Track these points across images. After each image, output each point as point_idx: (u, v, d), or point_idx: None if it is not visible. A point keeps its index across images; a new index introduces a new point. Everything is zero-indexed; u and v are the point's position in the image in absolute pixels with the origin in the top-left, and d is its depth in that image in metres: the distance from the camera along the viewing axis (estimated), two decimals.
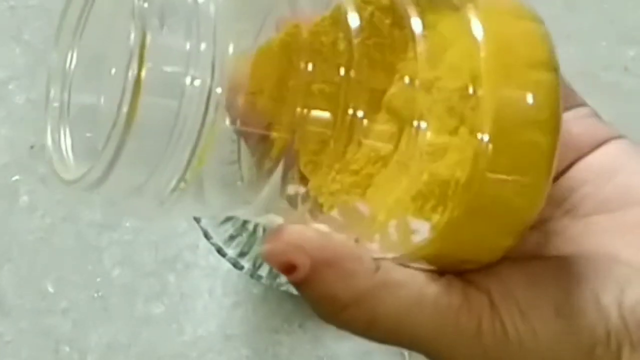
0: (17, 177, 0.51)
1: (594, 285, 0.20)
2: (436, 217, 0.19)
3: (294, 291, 0.41)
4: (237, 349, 0.46)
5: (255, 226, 0.46)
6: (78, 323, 0.47)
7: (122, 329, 0.47)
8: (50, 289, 0.48)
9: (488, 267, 0.21)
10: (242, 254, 0.42)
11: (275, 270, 0.42)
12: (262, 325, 0.47)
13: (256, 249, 0.44)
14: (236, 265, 0.41)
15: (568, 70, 0.22)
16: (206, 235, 0.41)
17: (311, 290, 0.20)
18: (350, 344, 0.46)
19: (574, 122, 0.23)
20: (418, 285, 0.20)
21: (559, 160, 0.20)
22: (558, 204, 0.23)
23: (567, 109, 0.23)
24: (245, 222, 0.45)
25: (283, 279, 0.42)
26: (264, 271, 0.41)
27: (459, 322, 0.20)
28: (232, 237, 0.43)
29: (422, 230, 0.20)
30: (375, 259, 0.20)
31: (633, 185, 0.22)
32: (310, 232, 0.20)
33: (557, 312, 0.20)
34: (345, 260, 0.20)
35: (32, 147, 0.52)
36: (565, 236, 0.22)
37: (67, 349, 0.47)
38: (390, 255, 0.21)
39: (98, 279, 0.48)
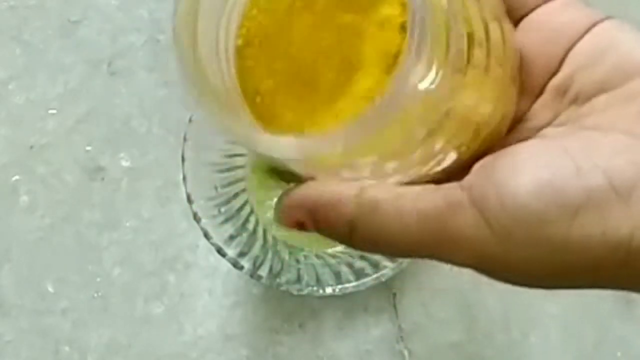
0: (17, 177, 0.51)
1: (577, 156, 0.20)
2: None
3: (294, 291, 0.41)
4: (237, 349, 0.46)
5: (255, 226, 0.46)
6: (78, 323, 0.47)
7: (122, 329, 0.47)
8: (50, 289, 0.48)
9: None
10: (242, 254, 0.42)
11: (275, 270, 0.42)
12: (262, 325, 0.47)
13: (256, 249, 0.44)
14: (236, 265, 0.41)
15: None
16: (206, 235, 0.41)
17: (323, 231, 0.23)
18: (350, 344, 0.46)
19: (559, 12, 0.23)
20: (398, 195, 0.22)
21: (551, 53, 0.20)
22: (561, 97, 0.23)
23: None
24: (245, 222, 0.45)
25: (283, 279, 0.42)
26: (264, 271, 0.41)
27: (445, 226, 0.21)
28: (232, 237, 0.43)
29: None
30: (359, 184, 0.22)
31: (627, 58, 0.22)
32: (305, 190, 0.23)
33: (534, 189, 0.20)
34: (330, 197, 0.22)
35: (32, 147, 0.52)
36: (571, 123, 0.22)
37: (67, 349, 0.47)
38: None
39: (98, 279, 0.48)
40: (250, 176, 0.48)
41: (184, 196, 0.42)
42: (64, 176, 0.51)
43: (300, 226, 0.23)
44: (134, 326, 0.47)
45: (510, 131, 0.24)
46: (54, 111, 0.53)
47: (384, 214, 0.21)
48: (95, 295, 0.48)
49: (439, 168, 0.22)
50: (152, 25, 0.55)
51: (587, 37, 0.23)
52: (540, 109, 0.23)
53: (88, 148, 0.52)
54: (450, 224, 0.21)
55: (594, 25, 0.23)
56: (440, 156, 0.22)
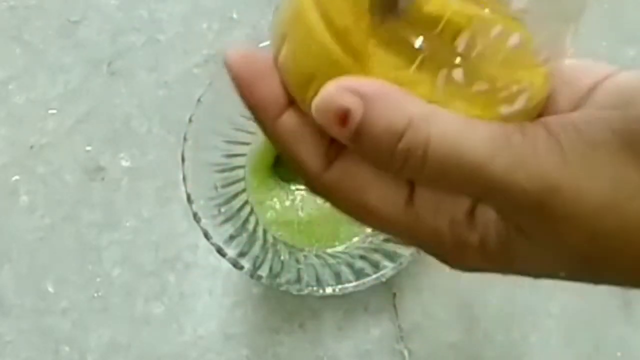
0: (17, 177, 0.51)
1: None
2: None
3: (294, 291, 0.41)
4: (237, 349, 0.46)
5: (255, 226, 0.46)
6: (78, 323, 0.47)
7: (122, 329, 0.47)
8: (50, 289, 0.48)
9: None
10: (242, 254, 0.42)
11: (275, 270, 0.42)
12: (262, 325, 0.47)
13: (256, 249, 0.44)
14: (236, 265, 0.41)
15: None
16: (206, 235, 0.41)
17: (368, 128, 0.19)
18: (350, 344, 0.46)
19: (582, 62, 0.23)
20: (470, 118, 0.20)
21: (574, 91, 0.22)
22: None
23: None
24: (245, 222, 0.45)
25: (283, 279, 0.42)
26: (264, 271, 0.41)
27: (514, 143, 0.19)
28: (232, 237, 0.43)
29: None
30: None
31: None
32: (361, 79, 0.19)
33: (611, 128, 0.20)
34: (397, 92, 0.19)
35: (32, 147, 0.52)
36: None
37: (67, 349, 0.47)
38: None
39: (98, 279, 0.48)
40: (250, 176, 0.48)
41: (184, 196, 0.42)
42: (64, 176, 0.51)
43: (342, 121, 0.19)
44: (134, 326, 0.47)
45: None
46: (54, 111, 0.53)
47: (458, 125, 0.19)
48: (95, 295, 0.48)
49: (510, 109, 0.21)
50: (152, 25, 0.55)
51: (613, 78, 0.23)
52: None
53: (88, 148, 0.52)
54: (525, 145, 0.20)
55: (614, 73, 0.23)
56: (514, 87, 0.21)
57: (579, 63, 0.23)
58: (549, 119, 0.21)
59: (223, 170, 0.46)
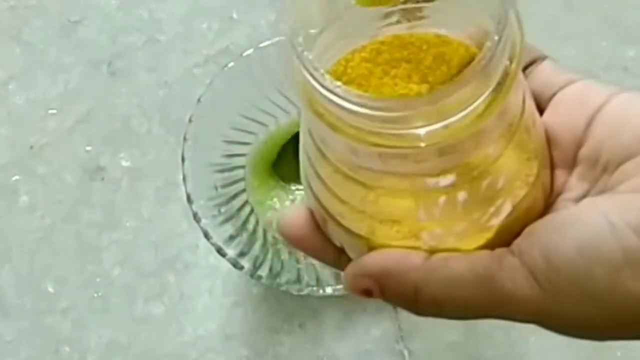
0: (17, 177, 0.51)
1: (612, 217, 0.22)
2: None
3: (294, 291, 0.41)
4: (237, 349, 0.47)
5: (255, 226, 0.46)
6: (78, 323, 0.47)
7: (122, 329, 0.47)
8: (50, 289, 0.48)
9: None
10: (242, 254, 0.42)
11: (275, 270, 0.42)
12: (262, 325, 0.47)
13: (256, 249, 0.44)
14: (236, 265, 0.41)
15: None
16: (206, 235, 0.41)
17: (388, 299, 0.25)
18: (350, 343, 0.46)
19: (580, 89, 0.25)
20: (461, 262, 0.23)
21: (575, 124, 0.24)
22: (593, 167, 0.25)
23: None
24: (245, 222, 0.45)
25: (283, 279, 0.42)
26: (264, 271, 0.41)
27: (500, 288, 0.23)
28: (232, 237, 0.43)
29: None
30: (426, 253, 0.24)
31: None
32: (370, 258, 0.25)
33: (577, 249, 0.22)
34: (397, 266, 0.24)
35: (32, 147, 0.52)
36: (608, 190, 0.24)
37: (67, 349, 0.47)
38: None
39: (98, 279, 0.48)
40: (250, 176, 0.48)
41: (184, 196, 0.42)
42: (64, 176, 0.51)
43: (368, 294, 0.25)
44: (134, 326, 0.47)
45: (551, 205, 0.26)
46: (54, 111, 0.53)
47: (445, 277, 0.23)
48: (95, 295, 0.48)
49: (494, 221, 0.24)
50: (152, 25, 0.55)
51: (607, 107, 0.25)
52: (576, 181, 0.25)
53: (88, 148, 0.52)
54: (504, 285, 0.23)
55: (611, 97, 0.25)
56: (499, 201, 0.24)
57: (573, 91, 0.25)
58: (524, 248, 0.23)
59: (223, 170, 0.46)
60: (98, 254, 0.49)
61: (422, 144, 0.21)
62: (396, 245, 0.24)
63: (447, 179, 0.23)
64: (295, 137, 0.48)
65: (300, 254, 0.45)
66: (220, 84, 0.45)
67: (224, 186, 0.45)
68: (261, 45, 0.45)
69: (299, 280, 0.42)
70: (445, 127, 0.21)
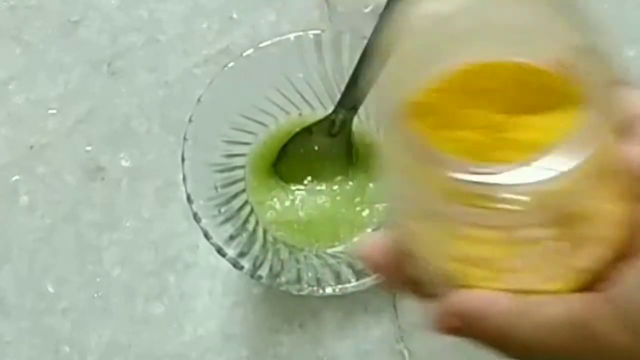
0: (17, 177, 0.51)
1: None
2: None
3: (294, 291, 0.41)
4: (237, 349, 0.47)
5: (255, 226, 0.46)
6: (78, 323, 0.47)
7: (122, 329, 0.47)
8: (50, 289, 0.48)
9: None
10: (242, 254, 0.42)
11: (275, 270, 0.42)
12: (262, 325, 0.47)
13: (256, 249, 0.44)
14: (236, 265, 0.41)
15: None
16: (206, 235, 0.41)
17: (477, 340, 0.25)
18: (350, 343, 0.46)
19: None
20: (554, 307, 0.23)
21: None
22: None
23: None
24: (245, 222, 0.45)
25: (283, 279, 0.42)
26: (264, 271, 0.41)
27: (596, 334, 0.22)
28: (232, 237, 0.43)
29: None
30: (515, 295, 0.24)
31: None
32: (459, 296, 0.25)
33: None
34: (488, 309, 0.24)
35: (32, 147, 0.52)
36: None
37: (67, 349, 0.47)
38: None
39: (98, 279, 0.48)
40: (250, 176, 0.48)
41: (184, 196, 0.42)
42: (64, 176, 0.51)
43: (457, 332, 0.25)
44: (134, 326, 0.47)
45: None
46: (54, 111, 0.53)
47: (538, 323, 0.23)
48: (95, 295, 0.48)
49: (583, 263, 0.24)
50: (152, 25, 0.55)
51: None
52: None
53: (88, 148, 0.52)
54: (600, 332, 0.22)
55: None
56: (590, 244, 0.23)
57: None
58: (612, 291, 0.23)
59: (223, 170, 0.46)
60: (98, 254, 0.49)
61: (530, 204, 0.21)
62: (483, 286, 0.24)
63: (545, 231, 0.23)
64: (295, 137, 0.48)
65: (300, 254, 0.45)
66: (220, 84, 0.45)
67: (224, 186, 0.45)
68: (261, 45, 0.45)
69: (299, 280, 0.42)
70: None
